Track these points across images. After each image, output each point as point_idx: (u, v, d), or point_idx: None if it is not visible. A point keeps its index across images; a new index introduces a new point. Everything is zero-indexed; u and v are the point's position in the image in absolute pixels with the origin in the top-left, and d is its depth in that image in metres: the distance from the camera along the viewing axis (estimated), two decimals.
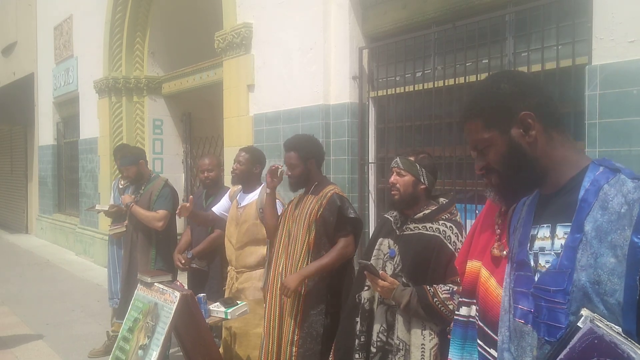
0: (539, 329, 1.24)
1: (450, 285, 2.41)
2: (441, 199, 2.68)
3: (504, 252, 1.74)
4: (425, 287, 2.41)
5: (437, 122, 4.30)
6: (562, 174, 1.30)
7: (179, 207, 3.90)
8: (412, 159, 2.63)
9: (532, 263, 1.30)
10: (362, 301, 2.69)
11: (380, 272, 2.51)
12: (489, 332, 1.74)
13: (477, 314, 1.81)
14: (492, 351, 1.72)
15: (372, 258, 2.66)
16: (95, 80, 9.04)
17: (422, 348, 2.40)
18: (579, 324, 1.11)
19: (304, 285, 3.15)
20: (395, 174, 2.64)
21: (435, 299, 2.36)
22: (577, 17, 3.39)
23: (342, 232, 3.21)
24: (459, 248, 2.41)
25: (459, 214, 2.65)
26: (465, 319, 1.89)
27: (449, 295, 2.37)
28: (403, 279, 2.51)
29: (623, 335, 1.08)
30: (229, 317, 3.51)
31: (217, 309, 3.73)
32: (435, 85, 4.25)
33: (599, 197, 1.20)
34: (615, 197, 1.17)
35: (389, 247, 2.63)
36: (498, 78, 1.39)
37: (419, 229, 2.55)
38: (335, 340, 2.88)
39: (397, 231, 2.63)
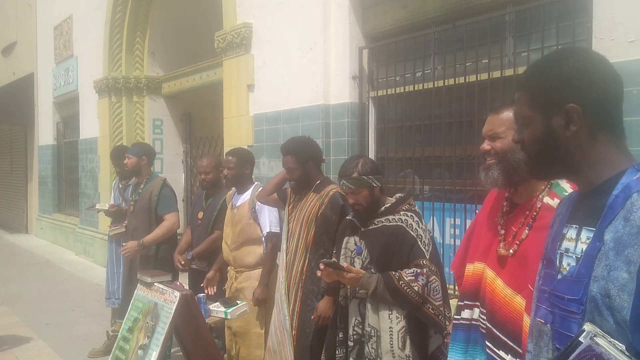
0: (553, 334, 1.19)
1: (414, 269, 2.54)
2: (397, 194, 2.81)
3: (510, 251, 1.73)
4: (391, 273, 2.54)
5: (437, 122, 4.30)
6: (597, 174, 1.19)
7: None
8: (355, 175, 2.70)
9: (557, 262, 1.23)
10: (339, 299, 2.81)
11: (345, 265, 2.63)
12: (498, 333, 1.72)
13: (484, 315, 1.79)
14: (502, 353, 1.71)
15: (341, 257, 2.78)
16: (95, 80, 9.04)
17: (390, 331, 2.52)
18: (581, 338, 1.04)
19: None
20: (350, 195, 2.73)
21: (401, 282, 2.49)
22: (577, 17, 3.40)
23: None
24: (420, 234, 2.60)
25: (416, 205, 2.80)
26: (467, 322, 1.86)
27: (413, 278, 2.51)
28: (372, 270, 2.63)
29: (627, 354, 1.00)
30: (228, 317, 3.51)
31: (217, 309, 3.73)
32: (435, 85, 4.25)
33: (625, 206, 1.08)
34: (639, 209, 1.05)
35: (355, 244, 2.75)
36: (567, 56, 1.23)
37: (382, 222, 2.69)
38: (325, 342, 2.96)
39: (362, 228, 2.73)
